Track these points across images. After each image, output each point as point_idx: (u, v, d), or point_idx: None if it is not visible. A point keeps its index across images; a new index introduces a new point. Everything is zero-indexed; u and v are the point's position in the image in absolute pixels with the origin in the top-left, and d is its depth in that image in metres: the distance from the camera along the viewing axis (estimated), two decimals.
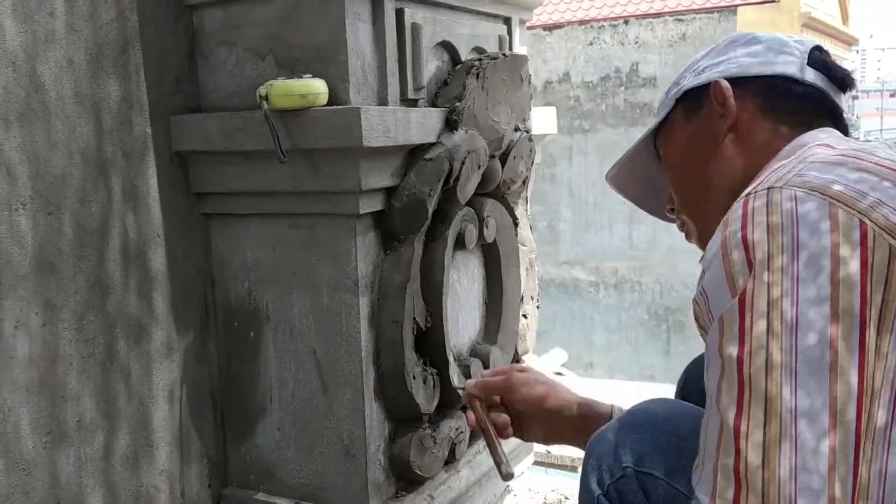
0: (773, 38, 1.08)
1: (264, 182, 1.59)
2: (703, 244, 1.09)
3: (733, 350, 0.77)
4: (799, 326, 0.74)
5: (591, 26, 11.87)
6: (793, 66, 1.04)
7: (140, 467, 1.59)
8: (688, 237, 1.18)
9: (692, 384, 1.27)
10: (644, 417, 1.10)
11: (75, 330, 1.45)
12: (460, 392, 1.37)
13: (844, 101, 1.08)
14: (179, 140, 1.62)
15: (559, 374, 4.35)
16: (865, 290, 0.74)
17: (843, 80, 1.06)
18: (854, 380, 0.73)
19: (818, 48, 1.07)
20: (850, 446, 0.72)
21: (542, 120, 2.18)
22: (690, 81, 1.10)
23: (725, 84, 1.04)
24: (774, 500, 0.72)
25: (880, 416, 0.73)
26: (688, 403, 1.13)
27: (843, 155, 0.86)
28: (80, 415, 1.46)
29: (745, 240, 0.80)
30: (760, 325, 0.76)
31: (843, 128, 1.06)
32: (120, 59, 1.52)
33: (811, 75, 1.04)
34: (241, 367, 1.72)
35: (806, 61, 1.04)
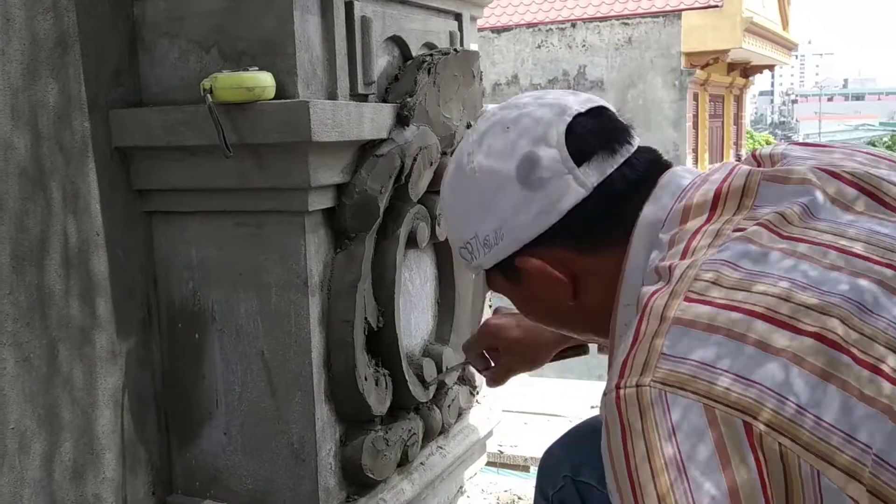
0: (520, 166, 0.87)
1: (209, 178, 1.54)
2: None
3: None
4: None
5: (539, 29, 11.97)
6: (568, 188, 0.86)
7: (83, 476, 1.52)
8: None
9: None
10: (587, 430, 1.17)
11: (10, 334, 1.38)
12: (449, 375, 1.38)
13: (635, 141, 0.91)
14: (120, 135, 1.56)
15: None
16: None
17: (615, 140, 0.88)
18: None
19: (568, 130, 0.87)
20: None
21: None
22: (486, 259, 0.92)
23: (533, 262, 0.88)
24: None
25: None
26: None
27: (706, 299, 0.72)
28: (17, 422, 1.40)
29: (627, 465, 0.68)
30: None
31: (657, 156, 0.92)
32: (56, 50, 1.46)
33: (590, 176, 0.86)
34: (186, 370, 1.67)
35: (573, 165, 0.86)
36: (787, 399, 0.65)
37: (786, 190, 0.80)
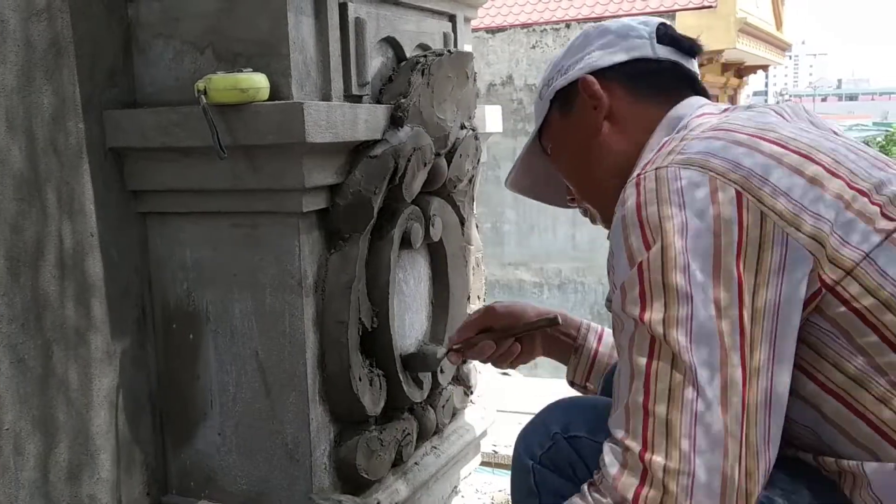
0: (621, 26, 1.19)
1: (203, 179, 1.54)
2: (606, 224, 1.19)
3: (635, 311, 0.89)
4: (692, 286, 0.86)
5: (534, 29, 11.96)
6: (645, 47, 1.16)
7: (78, 477, 1.53)
8: (593, 221, 1.30)
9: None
10: (567, 401, 1.25)
11: (4, 335, 1.38)
12: (447, 358, 1.48)
13: (695, 64, 1.20)
14: (114, 136, 1.57)
15: (505, 373, 4.35)
16: (741, 248, 0.87)
17: (691, 48, 1.18)
18: (736, 326, 0.86)
19: (663, 24, 1.18)
20: (738, 384, 0.85)
21: (488, 118, 2.17)
22: (559, 82, 1.20)
23: (591, 78, 1.16)
24: (676, 433, 0.85)
25: (763, 353, 0.87)
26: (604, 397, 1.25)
27: (718, 128, 0.97)
28: (12, 424, 1.40)
29: (639, 218, 0.91)
30: (657, 290, 0.88)
31: (701, 90, 1.18)
32: (50, 52, 1.46)
33: (663, 51, 1.16)
34: (181, 371, 1.67)
35: (655, 39, 1.16)
36: (767, 181, 0.89)
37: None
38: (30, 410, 1.43)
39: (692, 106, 1.11)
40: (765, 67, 16.27)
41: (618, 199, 0.96)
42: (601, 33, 1.19)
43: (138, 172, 1.60)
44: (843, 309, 0.88)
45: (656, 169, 0.92)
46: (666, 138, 1.04)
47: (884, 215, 0.89)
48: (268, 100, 1.45)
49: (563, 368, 1.50)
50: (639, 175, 0.94)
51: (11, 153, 1.39)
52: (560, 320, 1.40)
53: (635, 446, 0.87)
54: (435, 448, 1.97)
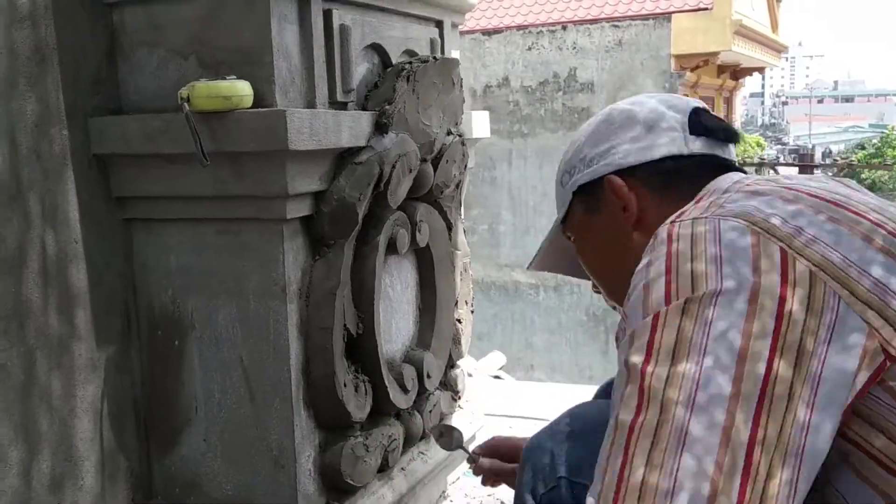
0: (649, 113, 1.07)
1: (188, 186, 1.55)
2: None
3: (637, 360, 0.77)
4: (703, 352, 0.74)
5: (530, 31, 11.97)
6: (676, 142, 1.04)
7: (61, 484, 1.52)
8: (607, 300, 1.19)
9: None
10: (580, 424, 1.10)
11: None
12: (467, 452, 1.44)
13: (732, 150, 1.09)
14: (99, 143, 1.57)
15: (497, 377, 4.35)
16: (779, 331, 0.73)
17: (727, 135, 1.06)
18: (750, 425, 0.71)
19: (695, 111, 1.06)
20: (739, 469, 0.69)
21: (476, 124, 2.17)
22: (583, 176, 1.09)
23: (619, 181, 1.04)
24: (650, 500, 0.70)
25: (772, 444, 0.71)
26: None
27: (762, 185, 0.87)
28: None
29: (667, 266, 0.80)
30: (668, 339, 0.76)
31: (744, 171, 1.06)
32: (33, 59, 1.46)
33: (696, 144, 1.04)
34: (165, 377, 1.67)
35: (687, 132, 1.04)
36: (818, 240, 0.78)
37: None
38: (12, 418, 1.43)
39: (729, 178, 0.99)
40: (761, 69, 16.30)
41: None
42: (627, 122, 1.07)
43: (123, 179, 1.60)
44: None
45: (693, 220, 0.82)
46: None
47: None
48: (252, 107, 1.45)
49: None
50: (672, 222, 0.84)
51: None
52: None
53: None
54: (422, 454, 1.97)
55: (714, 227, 0.80)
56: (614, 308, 1.19)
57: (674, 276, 0.79)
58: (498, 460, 1.36)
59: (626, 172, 1.05)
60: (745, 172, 1.05)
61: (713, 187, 0.97)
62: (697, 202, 0.90)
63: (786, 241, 0.77)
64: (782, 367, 0.72)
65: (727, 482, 0.69)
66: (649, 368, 0.75)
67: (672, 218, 0.86)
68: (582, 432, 1.09)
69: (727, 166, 1.05)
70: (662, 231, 0.84)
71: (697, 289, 0.77)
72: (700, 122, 1.05)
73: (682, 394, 0.72)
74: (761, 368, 0.72)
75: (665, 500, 0.69)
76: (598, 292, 1.21)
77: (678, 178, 1.03)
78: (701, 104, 1.09)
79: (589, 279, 1.27)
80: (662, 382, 0.74)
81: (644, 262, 0.84)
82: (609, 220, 1.07)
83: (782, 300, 0.74)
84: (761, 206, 0.82)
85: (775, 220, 0.79)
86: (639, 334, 0.78)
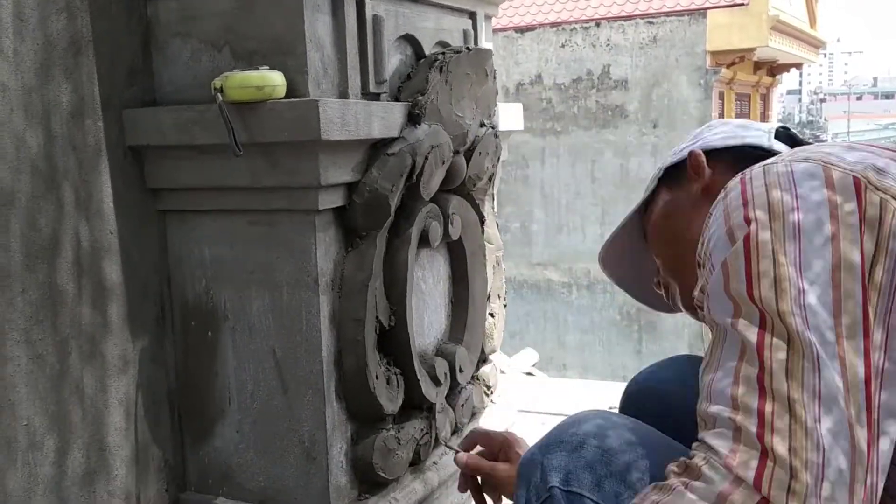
0: (743, 121, 1.22)
1: (221, 177, 1.55)
2: (684, 300, 1.19)
3: (742, 287, 0.83)
4: (803, 265, 0.82)
5: (563, 28, 11.91)
6: (761, 138, 1.17)
7: (95, 473, 1.54)
8: (673, 302, 1.26)
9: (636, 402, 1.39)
10: (571, 433, 1.07)
11: (23, 331, 1.39)
12: (448, 447, 1.40)
13: None
14: (133, 135, 1.58)
15: (529, 373, 4.32)
16: (863, 240, 0.81)
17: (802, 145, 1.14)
18: (860, 313, 0.80)
19: (783, 127, 1.19)
20: (861, 380, 0.79)
21: (509, 116, 2.16)
22: (670, 160, 1.22)
23: (698, 152, 1.15)
24: (800, 413, 0.77)
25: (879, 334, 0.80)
26: (619, 415, 1.13)
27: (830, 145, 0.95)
28: (30, 419, 1.41)
29: (744, 199, 0.87)
30: (766, 263, 0.82)
31: None
32: (69, 50, 1.47)
33: (778, 146, 1.15)
34: (199, 368, 1.67)
35: (772, 135, 1.17)
36: (888, 172, 0.85)
37: None
38: (47, 407, 1.44)
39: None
40: (798, 66, 16.04)
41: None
42: (723, 123, 1.23)
43: (157, 170, 1.61)
44: None
45: (764, 165, 0.91)
46: None
47: None
48: (284, 97, 1.45)
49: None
50: (742, 175, 0.92)
51: (30, 150, 1.40)
52: None
53: (750, 425, 0.78)
54: (453, 449, 1.96)
55: (787, 165, 0.88)
56: (670, 296, 1.26)
57: (750, 201, 0.87)
58: (476, 455, 1.39)
59: (709, 153, 1.16)
60: None
61: None
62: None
63: (859, 173, 0.84)
64: (877, 275, 0.81)
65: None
66: (756, 293, 0.82)
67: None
68: (570, 441, 1.06)
69: None
70: (734, 179, 0.91)
71: (775, 220, 0.84)
72: (786, 133, 1.18)
73: (795, 307, 0.80)
74: (857, 279, 0.80)
75: (813, 402, 0.78)
76: (665, 294, 1.27)
77: (754, 164, 1.07)
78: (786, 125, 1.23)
79: (641, 299, 1.38)
80: (773, 302, 0.81)
81: (720, 204, 0.91)
82: (683, 189, 1.18)
83: (860, 219, 0.82)
84: (833, 150, 0.90)
85: (850, 157, 0.87)
86: (732, 263, 0.85)
